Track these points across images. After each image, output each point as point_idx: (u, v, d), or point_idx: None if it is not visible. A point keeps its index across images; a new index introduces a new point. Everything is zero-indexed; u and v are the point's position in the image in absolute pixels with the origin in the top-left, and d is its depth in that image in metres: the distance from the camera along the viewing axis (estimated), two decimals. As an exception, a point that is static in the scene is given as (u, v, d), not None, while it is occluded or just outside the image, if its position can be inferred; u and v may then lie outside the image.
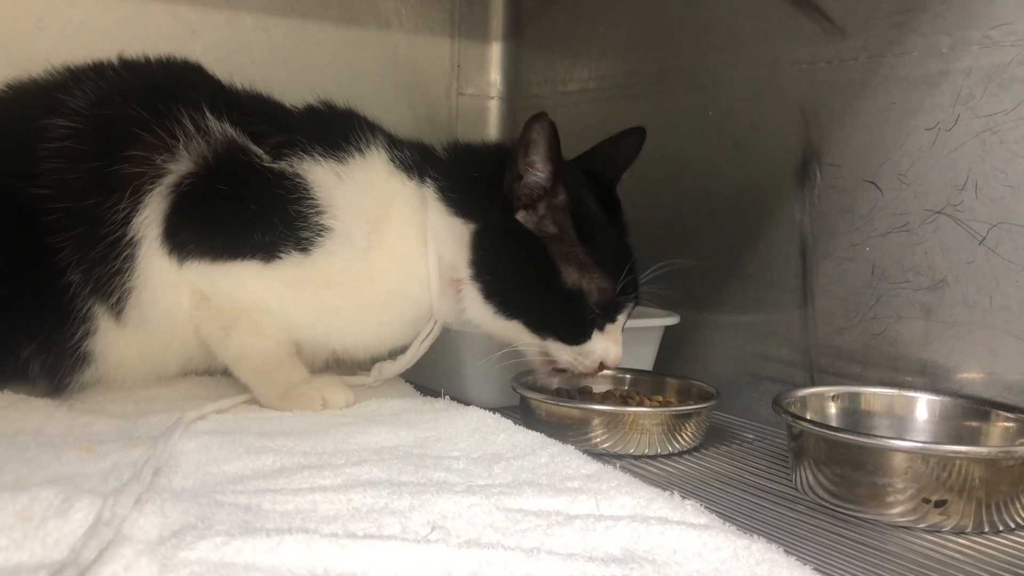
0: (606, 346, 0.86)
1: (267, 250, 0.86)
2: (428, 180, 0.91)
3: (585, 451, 0.75)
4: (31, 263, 0.84)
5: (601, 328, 0.86)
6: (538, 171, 0.84)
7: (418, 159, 0.93)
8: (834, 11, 0.92)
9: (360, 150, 0.91)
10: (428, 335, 0.95)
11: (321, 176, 0.88)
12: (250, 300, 0.88)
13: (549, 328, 0.86)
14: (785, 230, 0.97)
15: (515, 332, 0.88)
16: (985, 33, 0.80)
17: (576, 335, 0.86)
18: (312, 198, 0.86)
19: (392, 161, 0.92)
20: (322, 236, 0.86)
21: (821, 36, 0.93)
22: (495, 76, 1.46)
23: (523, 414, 0.88)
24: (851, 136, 0.91)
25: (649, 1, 1.17)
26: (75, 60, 0.93)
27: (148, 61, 0.95)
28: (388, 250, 0.89)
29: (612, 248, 0.88)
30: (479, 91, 1.45)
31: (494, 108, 1.44)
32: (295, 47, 1.25)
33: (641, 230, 0.93)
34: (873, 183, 0.89)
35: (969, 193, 0.81)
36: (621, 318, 0.88)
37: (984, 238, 0.80)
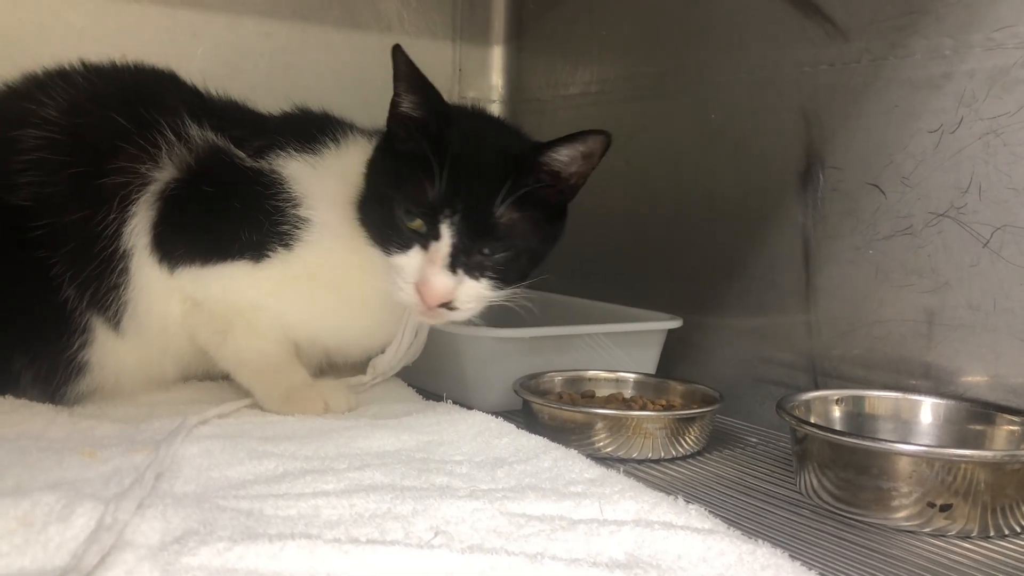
0: (420, 265, 0.79)
1: (255, 249, 0.86)
2: (375, 138, 0.90)
3: (588, 455, 0.75)
4: (22, 275, 0.84)
5: (425, 246, 0.79)
6: (406, 103, 0.81)
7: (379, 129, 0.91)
8: (836, 14, 0.92)
9: (336, 140, 0.91)
10: (408, 319, 0.93)
11: (295, 169, 0.88)
12: (243, 300, 0.88)
13: (370, 231, 0.82)
14: (788, 233, 0.97)
15: (379, 258, 0.83)
16: (988, 35, 0.80)
17: (386, 240, 0.80)
18: (287, 191, 0.87)
19: (368, 140, 0.91)
20: (300, 228, 0.86)
21: (823, 39, 0.93)
22: (496, 79, 1.46)
23: (526, 418, 0.87)
24: (854, 139, 0.90)
25: (650, 4, 1.17)
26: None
27: (117, 67, 0.93)
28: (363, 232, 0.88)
29: (450, 165, 0.78)
30: (480, 94, 1.45)
31: (496, 111, 1.44)
32: (297, 51, 1.26)
33: (642, 232, 0.93)
34: (876, 186, 0.88)
35: (973, 196, 0.81)
36: (445, 233, 0.78)
37: (988, 241, 0.80)
